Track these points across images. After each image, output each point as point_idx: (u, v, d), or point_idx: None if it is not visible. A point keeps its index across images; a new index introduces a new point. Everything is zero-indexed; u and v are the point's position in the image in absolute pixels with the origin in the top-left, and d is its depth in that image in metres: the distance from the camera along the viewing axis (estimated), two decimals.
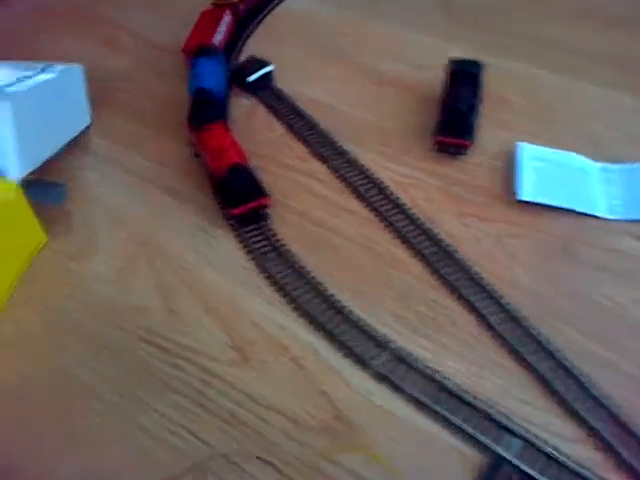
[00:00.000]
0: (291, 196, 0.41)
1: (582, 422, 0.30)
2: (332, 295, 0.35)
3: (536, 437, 0.29)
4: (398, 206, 0.40)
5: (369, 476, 0.28)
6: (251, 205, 0.38)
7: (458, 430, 0.30)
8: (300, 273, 0.36)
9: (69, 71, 0.44)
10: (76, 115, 0.45)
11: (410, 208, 0.40)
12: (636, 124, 0.46)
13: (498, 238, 0.38)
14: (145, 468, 0.29)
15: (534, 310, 0.34)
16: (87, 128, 0.46)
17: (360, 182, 0.42)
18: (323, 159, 0.44)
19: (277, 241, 0.38)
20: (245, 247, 0.38)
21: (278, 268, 0.37)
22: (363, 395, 0.31)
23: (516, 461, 0.28)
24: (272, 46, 0.55)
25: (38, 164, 0.38)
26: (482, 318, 0.34)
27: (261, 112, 0.49)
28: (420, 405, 0.30)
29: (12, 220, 0.35)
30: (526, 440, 0.29)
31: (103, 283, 0.36)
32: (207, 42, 0.50)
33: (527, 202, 0.40)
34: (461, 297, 0.35)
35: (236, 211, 0.38)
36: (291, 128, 0.47)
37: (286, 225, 0.39)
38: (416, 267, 0.37)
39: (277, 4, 0.62)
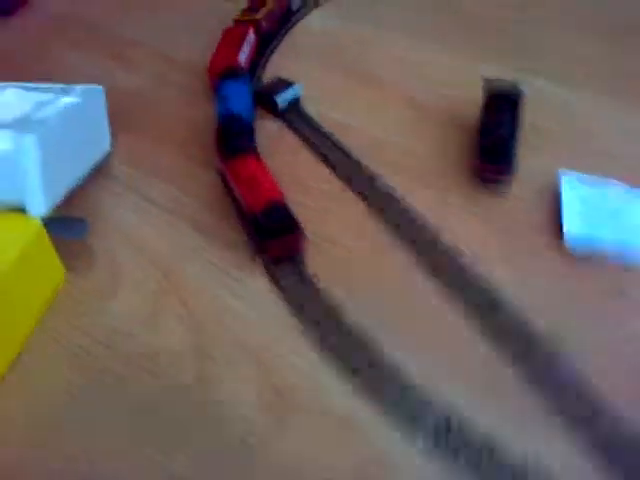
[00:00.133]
0: (324, 229, 0.39)
1: None
2: (374, 342, 0.33)
3: None
4: (437, 243, 0.38)
5: None
6: (286, 242, 0.36)
7: None
8: (338, 317, 0.34)
9: (90, 93, 0.42)
10: (98, 140, 0.43)
11: (450, 245, 0.38)
12: None
13: (546, 278, 0.36)
14: None
15: (592, 358, 0.32)
16: (108, 154, 0.44)
17: (397, 214, 0.40)
18: (356, 188, 0.42)
19: (312, 280, 0.36)
20: (278, 286, 0.36)
21: (314, 309, 0.35)
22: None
23: None
24: (295, 65, 0.53)
25: (62, 197, 0.35)
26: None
27: (289, 136, 0.46)
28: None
29: (34, 259, 0.33)
30: None
31: (129, 324, 0.34)
32: (233, 62, 0.48)
33: (574, 236, 0.38)
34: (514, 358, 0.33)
35: (270, 248, 0.35)
36: (321, 154, 0.44)
37: (320, 262, 0.37)
38: (461, 318, 0.35)
39: (299, 20, 0.60)
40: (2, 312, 0.31)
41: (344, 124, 0.47)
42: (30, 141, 0.31)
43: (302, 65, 0.53)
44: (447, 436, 0.29)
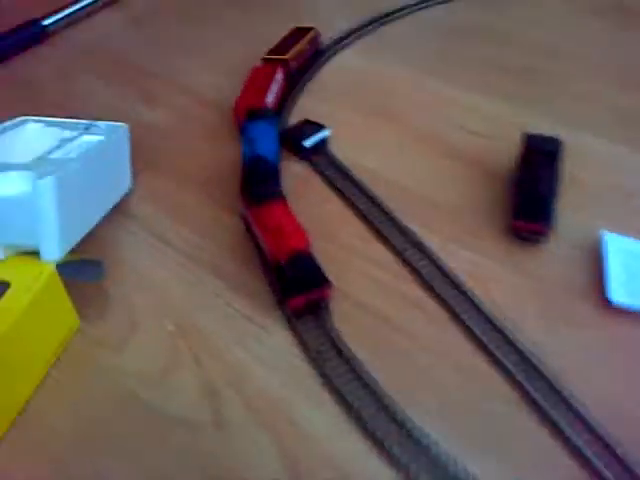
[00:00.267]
0: (350, 283, 0.37)
1: None
2: (401, 413, 0.30)
3: None
4: (473, 303, 0.35)
5: None
6: (311, 296, 0.33)
7: None
8: (363, 381, 0.31)
9: (114, 131, 0.41)
10: (119, 180, 0.41)
11: (486, 305, 0.35)
12: None
13: (588, 347, 0.34)
14: None
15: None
16: (127, 193, 0.43)
17: (428, 270, 0.37)
18: (385, 239, 0.40)
19: (336, 339, 0.33)
20: (300, 344, 0.33)
21: (338, 372, 0.32)
22: None
23: None
24: (323, 106, 0.52)
25: (78, 240, 0.34)
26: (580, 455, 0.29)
27: (315, 181, 0.45)
28: None
29: (46, 306, 0.31)
30: None
31: (142, 383, 0.32)
32: (260, 103, 0.46)
33: (620, 303, 0.35)
34: (559, 432, 0.30)
35: (294, 303, 0.33)
36: (349, 202, 0.43)
37: (346, 319, 0.35)
38: (500, 384, 0.32)
39: (327, 60, 0.59)
40: (10, 363, 0.29)
41: (373, 171, 0.45)
42: (47, 185, 0.30)
43: (330, 106, 0.52)
44: None
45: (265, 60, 0.54)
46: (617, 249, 0.39)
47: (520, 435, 0.30)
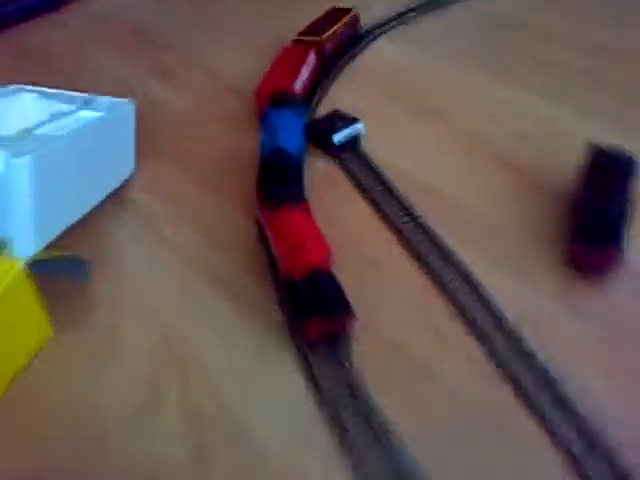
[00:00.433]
0: (376, 309, 0.31)
1: None
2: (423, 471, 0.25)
3: None
4: (522, 349, 0.29)
5: None
6: (330, 324, 0.28)
7: None
8: (388, 442, 0.26)
9: (118, 109, 0.36)
10: (118, 165, 0.36)
11: (534, 347, 0.29)
12: None
13: None
14: None
15: None
16: (128, 178, 0.38)
17: (469, 302, 0.31)
18: (418, 256, 0.34)
19: (356, 382, 0.28)
20: (313, 383, 0.28)
21: (352, 414, 0.27)
22: None
23: None
24: (357, 98, 0.46)
25: (59, 233, 0.28)
26: None
27: (342, 181, 0.39)
28: None
29: (11, 310, 0.26)
30: None
31: (118, 414, 0.26)
32: (287, 88, 0.41)
33: None
34: None
35: (310, 331, 0.28)
36: (379, 208, 0.37)
37: (368, 355, 0.29)
38: (552, 453, 0.26)
39: (365, 47, 0.53)
40: None
41: (410, 176, 0.39)
42: (23, 164, 0.24)
43: (365, 98, 0.46)
44: None
45: (296, 41, 0.48)
46: None
47: None
